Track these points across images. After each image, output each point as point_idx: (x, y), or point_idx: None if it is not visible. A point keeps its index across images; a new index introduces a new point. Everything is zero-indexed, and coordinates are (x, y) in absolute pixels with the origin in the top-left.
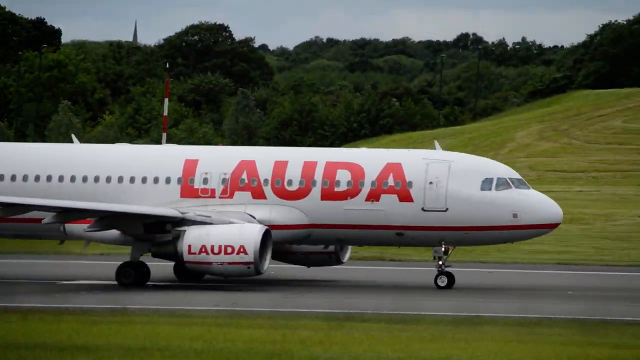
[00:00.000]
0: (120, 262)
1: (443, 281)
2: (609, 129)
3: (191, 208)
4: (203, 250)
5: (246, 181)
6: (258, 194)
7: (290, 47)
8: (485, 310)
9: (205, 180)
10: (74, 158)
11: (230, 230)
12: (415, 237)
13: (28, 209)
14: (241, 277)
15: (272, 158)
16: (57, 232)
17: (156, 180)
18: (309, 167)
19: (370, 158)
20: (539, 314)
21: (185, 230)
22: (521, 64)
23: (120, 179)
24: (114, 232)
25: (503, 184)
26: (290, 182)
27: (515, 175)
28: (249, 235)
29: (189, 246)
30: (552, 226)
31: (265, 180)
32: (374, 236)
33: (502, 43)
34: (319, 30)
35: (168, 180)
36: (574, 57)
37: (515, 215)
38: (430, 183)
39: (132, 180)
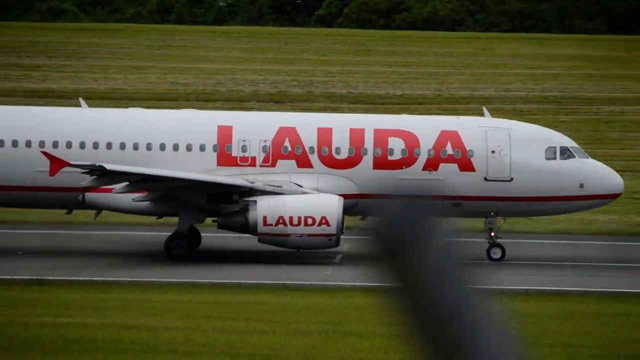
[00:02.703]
0: (169, 234)
1: (496, 253)
2: None
3: (241, 177)
4: (281, 221)
5: (289, 149)
6: (303, 163)
7: None
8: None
9: (244, 148)
10: (91, 123)
11: (309, 200)
12: (472, 208)
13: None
14: (317, 250)
15: (314, 124)
16: (72, 201)
17: (189, 147)
18: (356, 135)
19: (422, 125)
20: None
21: (255, 201)
22: None
23: (149, 146)
24: (146, 202)
25: (566, 152)
26: (338, 150)
27: (574, 143)
28: (330, 205)
29: (265, 217)
30: (615, 196)
31: (311, 148)
32: None
33: None
34: None
35: (202, 148)
36: None
37: (581, 186)
38: (493, 152)
39: (162, 147)
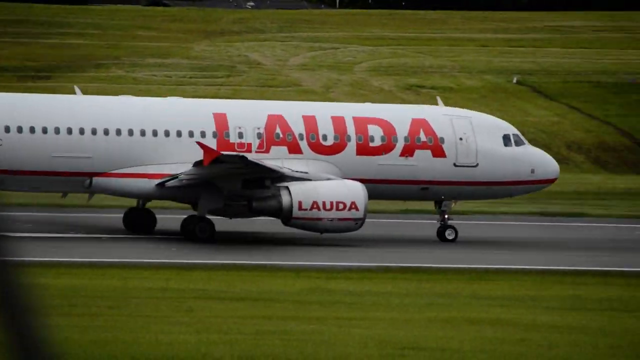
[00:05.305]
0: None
1: (450, 234)
2: None
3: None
4: (315, 206)
5: (281, 135)
6: (294, 149)
7: None
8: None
9: (240, 135)
10: (86, 109)
11: (337, 186)
12: (437, 192)
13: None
14: (343, 233)
15: (298, 112)
16: (79, 186)
17: (191, 134)
18: (338, 122)
19: (393, 113)
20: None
21: (287, 187)
22: None
23: (155, 133)
24: (150, 184)
25: (518, 140)
26: (325, 137)
27: (518, 131)
28: (357, 191)
29: (300, 202)
30: (553, 180)
31: (300, 135)
32: (399, 191)
33: None
34: None
35: (203, 134)
36: None
37: (532, 171)
38: (460, 139)
39: (167, 134)
